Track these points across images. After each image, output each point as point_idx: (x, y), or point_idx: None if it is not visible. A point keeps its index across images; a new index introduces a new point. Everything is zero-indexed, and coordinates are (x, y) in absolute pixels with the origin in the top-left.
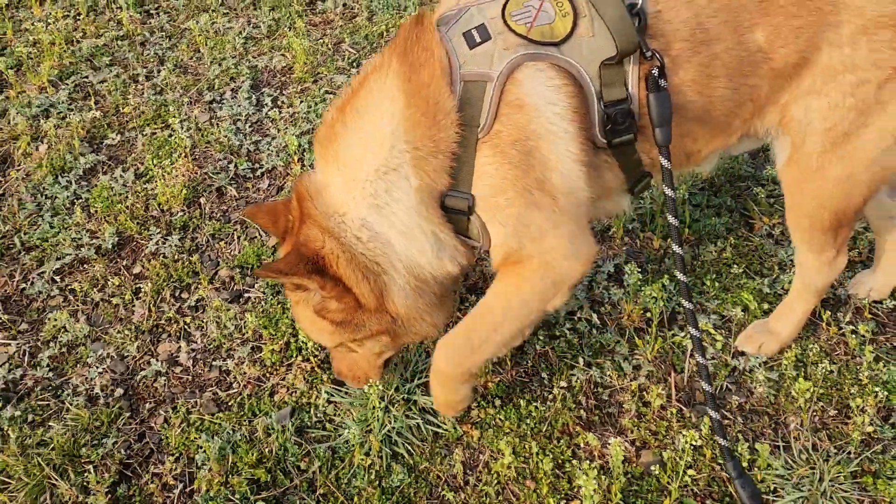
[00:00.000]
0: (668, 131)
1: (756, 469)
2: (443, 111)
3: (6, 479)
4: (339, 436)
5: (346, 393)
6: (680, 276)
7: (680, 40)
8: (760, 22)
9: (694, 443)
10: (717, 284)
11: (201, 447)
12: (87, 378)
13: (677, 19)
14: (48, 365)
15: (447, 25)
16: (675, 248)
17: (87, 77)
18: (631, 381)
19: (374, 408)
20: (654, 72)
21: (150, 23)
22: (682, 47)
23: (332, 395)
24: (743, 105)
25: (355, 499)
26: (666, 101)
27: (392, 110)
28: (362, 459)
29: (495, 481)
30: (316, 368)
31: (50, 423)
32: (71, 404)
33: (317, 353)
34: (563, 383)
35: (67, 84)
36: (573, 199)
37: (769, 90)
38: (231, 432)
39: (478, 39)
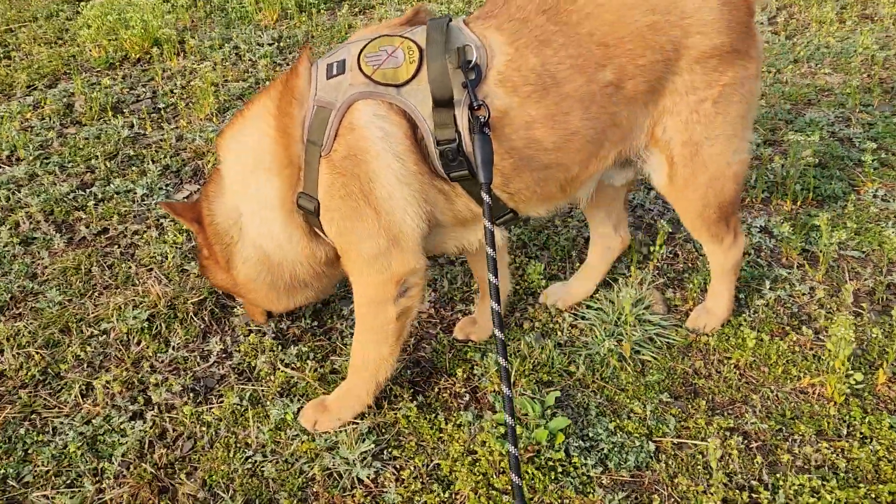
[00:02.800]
0: (489, 170)
1: None
2: (296, 131)
3: None
4: (594, 346)
5: (586, 317)
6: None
7: (528, 84)
8: (607, 64)
9: None
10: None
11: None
12: None
13: (525, 67)
14: None
15: (325, 57)
16: (492, 278)
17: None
18: None
19: (622, 322)
20: (479, 118)
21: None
22: (530, 90)
23: (576, 318)
24: (608, 130)
25: (622, 394)
26: (487, 143)
27: (264, 129)
28: (617, 363)
29: (734, 368)
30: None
31: None
32: None
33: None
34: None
35: (228, 115)
36: (397, 215)
37: (629, 116)
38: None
39: (334, 72)
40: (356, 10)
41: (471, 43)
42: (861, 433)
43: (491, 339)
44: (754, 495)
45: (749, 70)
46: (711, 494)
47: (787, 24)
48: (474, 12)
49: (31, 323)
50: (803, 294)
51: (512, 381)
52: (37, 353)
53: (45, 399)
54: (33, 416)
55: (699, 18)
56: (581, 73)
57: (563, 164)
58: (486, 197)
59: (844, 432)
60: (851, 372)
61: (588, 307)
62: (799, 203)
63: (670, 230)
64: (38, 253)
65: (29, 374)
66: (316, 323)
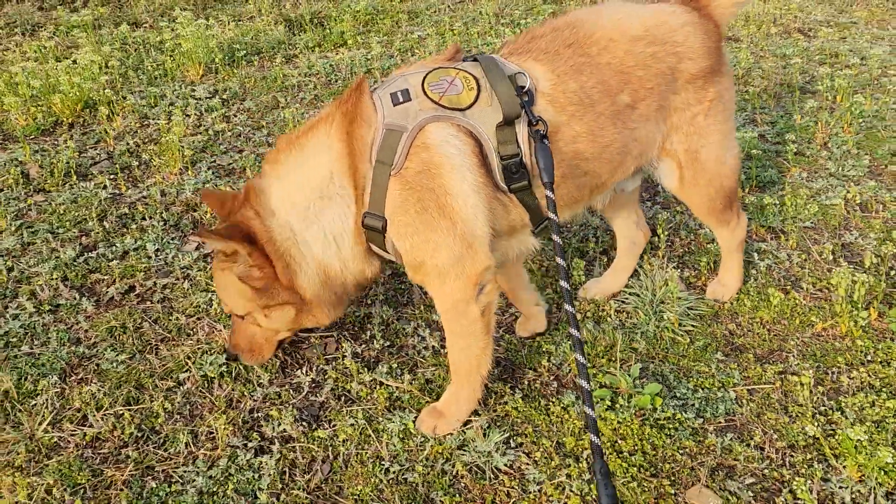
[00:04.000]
0: (551, 172)
1: None
2: (367, 154)
3: None
4: (643, 325)
5: (626, 302)
6: (564, 284)
7: (572, 104)
8: (624, 88)
9: None
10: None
11: None
12: None
13: (568, 90)
14: None
15: (382, 86)
16: (559, 260)
17: (214, 160)
18: None
19: (663, 300)
20: (539, 130)
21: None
22: (574, 109)
23: (620, 304)
24: (630, 144)
25: (684, 359)
26: (547, 151)
27: (333, 152)
28: (670, 335)
29: (762, 324)
30: None
31: None
32: None
33: None
34: None
35: (201, 167)
36: (470, 222)
37: (645, 132)
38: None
39: (401, 99)
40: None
41: (522, 72)
42: (880, 358)
43: (549, 329)
44: (830, 417)
45: (724, 84)
46: (798, 421)
47: None
48: (502, 48)
49: (101, 386)
50: (784, 260)
51: (587, 358)
52: (125, 412)
53: (155, 453)
54: (153, 471)
55: (688, 46)
56: (607, 96)
57: (597, 173)
58: (549, 193)
59: (868, 359)
60: (857, 311)
61: (626, 294)
62: (747, 189)
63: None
64: (71, 318)
65: (126, 433)
66: (388, 343)
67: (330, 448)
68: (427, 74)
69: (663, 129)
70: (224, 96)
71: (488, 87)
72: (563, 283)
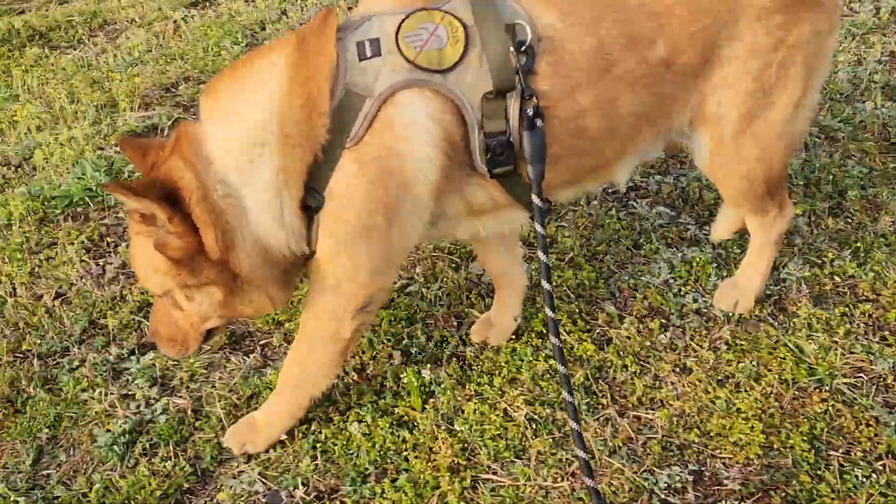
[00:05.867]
0: (540, 168)
1: None
2: (318, 110)
3: None
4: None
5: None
6: (546, 285)
7: (580, 69)
8: (658, 37)
9: None
10: None
11: None
12: None
13: (579, 50)
14: None
15: (347, 30)
16: (542, 255)
17: None
18: None
19: None
20: (529, 111)
21: None
22: (583, 76)
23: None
24: (651, 113)
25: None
26: (539, 140)
27: (274, 90)
28: None
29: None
30: None
31: None
32: None
33: None
34: None
35: None
36: (412, 236)
37: (676, 95)
38: None
39: (368, 53)
40: None
41: (522, 20)
42: None
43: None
44: None
45: (821, 23)
46: None
47: None
48: None
49: None
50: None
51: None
52: None
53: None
54: None
55: None
56: (632, 53)
57: (601, 151)
58: (536, 200)
59: None
60: None
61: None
62: None
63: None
64: None
65: None
66: None
67: None
68: (405, 19)
69: (704, 88)
70: None
71: (479, 42)
72: (545, 285)
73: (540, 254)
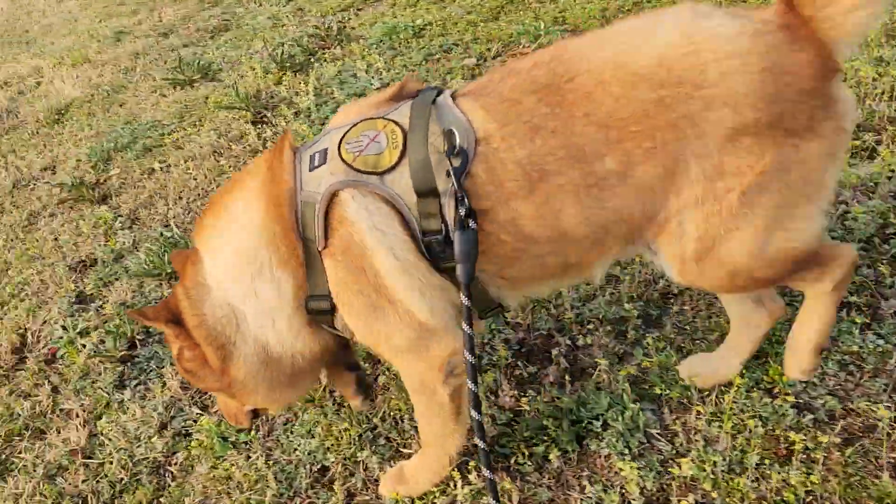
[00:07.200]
0: (469, 269)
1: None
2: (291, 227)
3: None
4: None
5: None
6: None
7: (512, 179)
8: (608, 151)
9: None
10: None
11: None
12: None
13: (510, 160)
14: None
15: (307, 147)
16: (468, 355)
17: None
18: None
19: None
20: (460, 211)
21: None
22: (515, 185)
23: None
24: (610, 225)
25: None
26: (469, 241)
27: (256, 219)
28: None
29: None
30: None
31: None
32: None
33: None
34: None
35: None
36: (414, 306)
37: (636, 207)
38: None
39: (316, 163)
40: None
41: (457, 125)
42: None
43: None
44: None
45: (804, 152)
46: None
47: None
48: (470, 83)
49: None
50: None
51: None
52: None
53: None
54: None
55: (726, 88)
56: (576, 164)
57: (563, 253)
58: (464, 300)
59: None
60: None
61: None
62: None
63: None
64: None
65: None
66: None
67: None
68: (349, 130)
69: (673, 202)
70: None
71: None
72: (473, 414)
73: (466, 354)
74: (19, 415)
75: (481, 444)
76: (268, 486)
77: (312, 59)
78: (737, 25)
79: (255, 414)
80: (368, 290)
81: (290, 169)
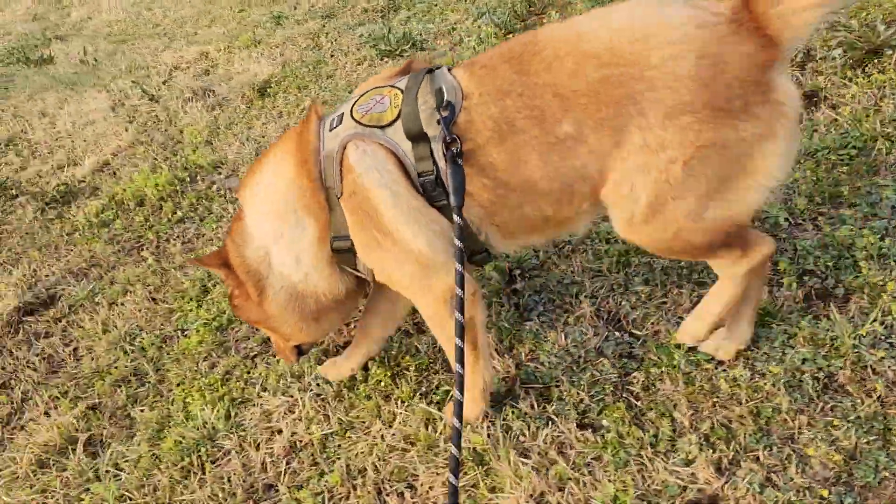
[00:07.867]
0: (460, 196)
1: None
2: (316, 179)
3: None
4: None
5: None
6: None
7: (487, 129)
8: (564, 117)
9: None
10: None
11: None
12: None
13: (486, 113)
14: None
15: (330, 114)
16: (458, 291)
17: None
18: None
19: None
20: (451, 150)
21: None
22: (489, 135)
23: None
24: (576, 182)
25: None
26: (458, 173)
27: (289, 177)
28: None
29: None
30: None
31: None
32: None
33: None
34: None
35: None
36: (410, 242)
37: (599, 168)
38: None
39: (335, 125)
40: None
41: (447, 85)
42: None
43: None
44: None
45: (742, 131)
46: None
47: None
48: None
49: None
50: None
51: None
52: None
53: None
54: None
55: (666, 71)
56: (539, 124)
57: (539, 206)
58: (456, 218)
59: None
60: None
61: None
62: None
63: None
64: None
65: None
66: None
67: None
68: (361, 96)
69: (620, 166)
70: None
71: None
72: (456, 341)
73: (456, 265)
74: None
75: (458, 370)
76: None
77: (524, 25)
78: (686, 15)
79: (300, 351)
80: (370, 226)
81: (315, 131)
